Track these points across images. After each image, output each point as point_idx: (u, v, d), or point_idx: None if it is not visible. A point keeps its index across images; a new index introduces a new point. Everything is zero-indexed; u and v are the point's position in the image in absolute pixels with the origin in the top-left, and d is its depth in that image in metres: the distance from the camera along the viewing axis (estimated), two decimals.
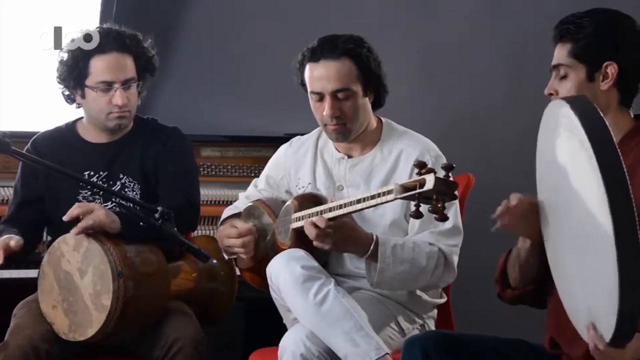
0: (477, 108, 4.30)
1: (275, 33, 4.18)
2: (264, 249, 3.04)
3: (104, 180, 3.16)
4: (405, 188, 2.53)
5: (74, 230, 2.91)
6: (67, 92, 3.19)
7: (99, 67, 3.10)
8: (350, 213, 2.77)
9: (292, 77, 3.07)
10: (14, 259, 3.04)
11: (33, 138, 3.25)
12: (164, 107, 4.05)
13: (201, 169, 3.80)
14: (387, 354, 2.74)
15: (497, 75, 4.29)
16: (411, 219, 2.92)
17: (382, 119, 3.13)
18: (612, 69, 2.42)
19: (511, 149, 4.14)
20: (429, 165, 2.49)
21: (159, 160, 3.19)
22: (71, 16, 4.07)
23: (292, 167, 3.18)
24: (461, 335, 2.56)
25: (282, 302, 2.89)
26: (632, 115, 2.49)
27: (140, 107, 3.25)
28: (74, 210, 2.93)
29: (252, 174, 3.78)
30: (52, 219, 3.19)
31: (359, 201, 2.72)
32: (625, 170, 1.97)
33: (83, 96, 3.14)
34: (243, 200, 3.26)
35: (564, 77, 2.46)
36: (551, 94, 2.48)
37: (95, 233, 2.93)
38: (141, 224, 2.85)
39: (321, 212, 2.82)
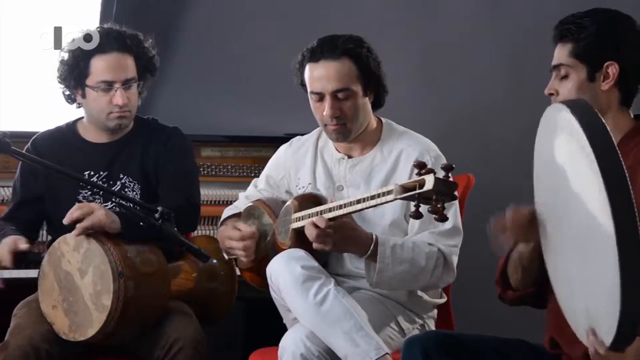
0: (477, 108, 4.30)
1: (275, 33, 4.18)
2: (264, 249, 3.04)
3: (104, 180, 3.16)
4: (405, 188, 2.53)
5: (74, 232, 2.91)
6: (67, 92, 3.19)
7: (100, 67, 3.10)
8: (350, 213, 2.77)
9: (292, 77, 3.07)
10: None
11: (33, 138, 3.25)
12: (164, 107, 4.05)
13: (201, 169, 3.80)
14: (387, 353, 2.74)
15: (497, 75, 4.29)
16: (411, 219, 2.93)
17: (382, 119, 3.13)
18: (613, 68, 2.42)
19: (511, 149, 4.13)
20: (429, 166, 2.49)
21: (159, 161, 3.19)
22: (71, 16, 4.07)
23: (292, 167, 3.18)
24: (461, 335, 2.56)
25: (282, 302, 2.90)
26: (632, 116, 2.49)
27: (141, 107, 3.25)
28: (74, 213, 2.92)
29: (252, 174, 3.78)
30: (52, 219, 3.19)
31: (358, 201, 2.72)
32: (627, 174, 1.97)
33: (84, 96, 3.15)
34: (243, 200, 3.26)
35: (565, 77, 2.46)
36: (551, 94, 2.48)
37: (96, 233, 2.93)
38: (141, 224, 2.85)
39: (321, 212, 2.82)
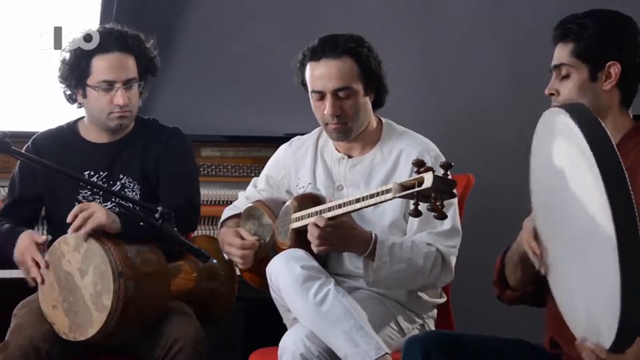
0: (477, 108, 4.30)
1: (275, 33, 4.18)
2: (264, 249, 3.04)
3: (104, 180, 3.16)
4: (403, 187, 2.53)
5: (79, 232, 2.91)
6: (68, 92, 3.19)
7: (101, 67, 3.10)
8: (349, 212, 2.78)
9: (293, 77, 3.07)
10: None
11: (33, 137, 3.25)
12: (164, 107, 4.05)
13: (201, 169, 3.80)
14: (387, 353, 2.74)
15: (497, 75, 4.29)
16: (410, 218, 2.93)
17: (382, 119, 3.13)
18: (615, 68, 2.43)
19: (511, 149, 4.11)
20: (428, 165, 2.50)
21: (159, 161, 3.19)
22: (71, 16, 4.07)
23: (292, 167, 3.18)
24: (461, 335, 2.56)
25: (282, 302, 2.90)
26: (632, 116, 2.49)
27: (141, 107, 3.25)
28: (76, 220, 2.93)
29: (252, 174, 3.78)
30: (52, 219, 3.19)
31: (357, 200, 2.72)
32: (627, 177, 1.97)
33: (84, 96, 3.15)
34: (243, 200, 3.26)
35: (566, 76, 2.46)
36: (552, 94, 2.48)
37: (96, 233, 2.93)
38: (141, 224, 2.85)
39: (320, 212, 2.82)
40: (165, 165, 3.18)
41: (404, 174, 2.95)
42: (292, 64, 3.06)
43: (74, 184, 3.10)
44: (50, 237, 3.13)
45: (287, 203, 2.99)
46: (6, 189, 3.28)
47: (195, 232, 3.54)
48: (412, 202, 2.50)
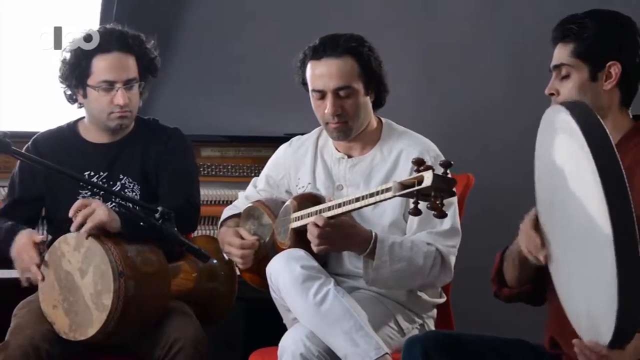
0: (477, 108, 4.30)
1: (275, 33, 4.18)
2: (263, 249, 3.04)
3: (104, 180, 3.16)
4: (403, 185, 2.54)
5: (80, 232, 2.91)
6: (69, 92, 3.19)
7: (101, 67, 3.10)
8: (349, 211, 2.78)
9: (293, 76, 3.07)
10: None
11: (34, 137, 3.25)
12: (164, 107, 4.05)
13: (201, 169, 3.80)
14: (387, 353, 2.74)
15: (497, 75, 4.29)
16: (410, 218, 2.93)
17: (382, 119, 3.13)
18: (615, 68, 2.43)
19: (511, 149, 4.14)
20: (428, 164, 2.50)
21: (159, 161, 3.19)
22: (71, 16, 4.07)
23: (291, 167, 3.18)
24: (461, 335, 2.56)
25: (282, 302, 2.90)
26: (631, 116, 2.50)
27: (141, 107, 3.25)
28: (77, 218, 2.93)
29: (252, 174, 3.78)
30: (52, 219, 3.19)
31: (357, 199, 2.72)
32: (624, 175, 1.97)
33: (85, 95, 3.15)
34: (243, 199, 3.26)
35: (566, 76, 2.46)
36: (552, 94, 2.48)
37: (96, 233, 2.93)
38: (141, 224, 2.85)
39: (320, 212, 2.82)
40: (166, 166, 3.18)
41: (404, 173, 2.95)
42: (292, 63, 3.06)
43: (74, 184, 3.10)
44: (50, 237, 3.13)
45: (286, 203, 2.99)
46: (6, 189, 3.28)
47: (195, 232, 3.54)
48: (411, 200, 2.50)
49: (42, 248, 3.00)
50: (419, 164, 2.50)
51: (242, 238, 3.05)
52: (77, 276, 2.93)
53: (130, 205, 2.96)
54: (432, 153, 3.01)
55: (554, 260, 2.28)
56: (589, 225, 2.03)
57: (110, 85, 3.10)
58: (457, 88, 4.32)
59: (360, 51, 2.99)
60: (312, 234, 2.79)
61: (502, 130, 4.23)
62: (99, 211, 2.93)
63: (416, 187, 2.48)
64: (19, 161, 3.19)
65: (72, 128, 3.25)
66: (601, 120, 2.06)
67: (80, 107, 3.21)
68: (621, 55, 2.43)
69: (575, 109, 2.11)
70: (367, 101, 3.03)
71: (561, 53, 2.46)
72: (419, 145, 3.04)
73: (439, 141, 3.12)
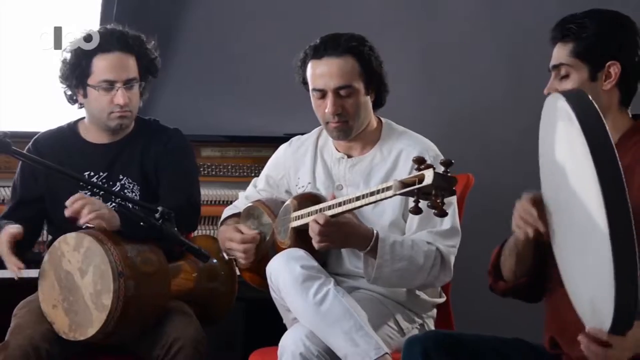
0: (477, 108, 4.30)
1: (275, 33, 4.18)
2: (264, 248, 3.04)
3: (104, 181, 3.16)
4: (404, 184, 2.54)
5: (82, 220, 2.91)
6: (69, 92, 3.19)
7: (102, 66, 3.10)
8: (349, 210, 2.78)
9: (293, 76, 3.08)
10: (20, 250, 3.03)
11: (34, 138, 3.25)
12: (164, 107, 4.05)
13: (201, 169, 3.80)
14: (387, 353, 2.74)
15: (497, 75, 4.30)
16: (409, 217, 2.93)
17: (382, 119, 3.13)
18: (615, 68, 2.43)
19: (511, 149, 4.14)
20: (429, 163, 2.51)
21: (159, 162, 3.19)
22: (71, 16, 4.07)
23: (291, 167, 3.18)
24: (461, 335, 2.56)
25: (282, 302, 2.90)
26: (631, 115, 2.50)
27: (141, 107, 3.25)
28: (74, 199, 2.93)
29: (252, 174, 3.78)
30: (52, 219, 3.19)
31: (357, 198, 2.72)
32: (616, 151, 1.99)
33: (85, 95, 3.15)
34: (243, 200, 3.26)
35: (565, 76, 2.46)
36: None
37: (96, 232, 2.93)
38: (141, 224, 2.85)
39: (320, 210, 2.82)
40: (165, 166, 3.18)
41: (404, 173, 2.95)
42: (293, 63, 3.07)
43: (75, 184, 3.09)
44: (50, 237, 3.13)
45: (286, 202, 2.99)
46: (7, 189, 3.28)
47: (195, 232, 3.54)
48: (412, 199, 2.50)
49: (18, 237, 2.98)
50: (420, 162, 2.50)
51: (242, 233, 3.05)
52: (77, 276, 2.94)
53: (130, 206, 2.97)
54: (432, 153, 3.01)
55: (559, 249, 2.29)
56: (589, 214, 2.04)
57: (110, 85, 3.10)
58: (457, 88, 4.32)
59: (361, 51, 2.99)
60: (313, 231, 2.79)
61: (502, 130, 4.23)
62: (97, 204, 2.93)
63: (417, 186, 2.48)
64: (20, 162, 3.20)
65: (72, 128, 3.25)
66: (597, 107, 2.07)
67: (81, 107, 3.21)
68: (620, 55, 2.43)
69: (570, 94, 2.13)
70: (368, 101, 3.03)
71: (560, 53, 2.46)
72: (419, 145, 3.04)
73: (439, 141, 3.12)
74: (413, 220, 2.94)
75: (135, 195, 3.15)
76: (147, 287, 2.93)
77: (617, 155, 2.00)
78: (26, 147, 3.20)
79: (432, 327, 3.08)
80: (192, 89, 4.26)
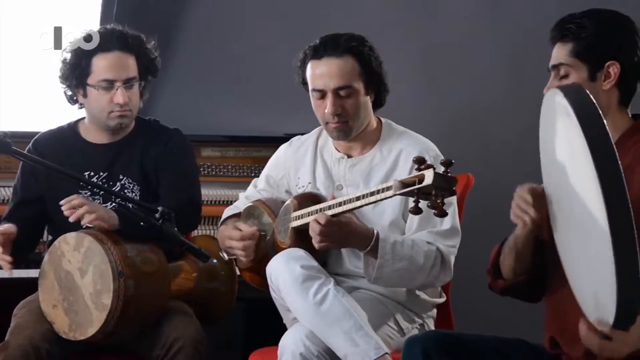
0: (477, 108, 4.30)
1: (275, 33, 4.18)
2: (264, 248, 3.04)
3: (104, 181, 3.16)
4: (404, 184, 2.54)
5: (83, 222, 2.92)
6: (69, 93, 3.19)
7: (101, 66, 3.10)
8: (349, 210, 2.78)
9: (293, 76, 3.07)
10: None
11: (35, 138, 3.25)
12: (164, 107, 4.06)
13: (201, 169, 3.80)
14: (387, 353, 2.74)
15: (497, 75, 4.30)
16: (409, 217, 2.93)
17: (382, 119, 3.13)
18: (614, 68, 2.43)
19: (511, 149, 4.14)
20: (429, 163, 2.51)
21: (159, 162, 3.19)
22: (71, 16, 4.08)
23: (291, 167, 3.18)
24: (461, 335, 2.56)
25: (282, 302, 2.90)
26: (630, 115, 2.50)
27: (141, 107, 3.25)
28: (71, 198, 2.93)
29: (252, 174, 3.78)
30: (52, 219, 3.19)
31: (358, 198, 2.72)
32: (612, 141, 2.00)
33: (85, 95, 3.15)
34: (243, 200, 3.26)
35: (565, 76, 2.46)
36: None
37: (96, 232, 2.93)
38: (141, 223, 2.86)
39: (321, 210, 2.82)
40: (165, 166, 3.18)
41: (404, 173, 2.95)
42: (292, 63, 3.07)
43: (75, 184, 3.10)
44: (50, 237, 3.13)
45: (287, 202, 2.99)
46: (7, 189, 3.28)
47: (195, 232, 3.54)
48: (412, 199, 2.50)
49: (11, 237, 2.98)
50: (420, 162, 2.50)
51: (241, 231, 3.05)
52: (77, 276, 2.94)
53: (130, 206, 2.97)
54: (432, 153, 3.01)
55: (561, 243, 2.29)
56: (589, 208, 2.04)
57: (110, 84, 3.10)
58: (457, 88, 4.32)
59: (361, 51, 2.99)
60: (314, 231, 2.79)
61: (502, 130, 4.23)
62: (93, 204, 2.93)
63: (417, 186, 2.48)
64: (21, 163, 3.20)
65: (72, 128, 3.25)
66: (591, 96, 2.08)
67: (81, 107, 3.21)
68: (620, 55, 2.43)
69: (569, 90, 2.14)
70: (367, 101, 3.03)
71: (560, 53, 2.46)
72: (419, 145, 3.04)
73: (439, 141, 3.12)
74: (413, 220, 2.94)
75: (136, 195, 3.15)
76: (147, 287, 2.93)
77: (614, 148, 2.00)
78: (26, 147, 3.20)
79: (432, 327, 3.08)
80: (192, 89, 4.26)
